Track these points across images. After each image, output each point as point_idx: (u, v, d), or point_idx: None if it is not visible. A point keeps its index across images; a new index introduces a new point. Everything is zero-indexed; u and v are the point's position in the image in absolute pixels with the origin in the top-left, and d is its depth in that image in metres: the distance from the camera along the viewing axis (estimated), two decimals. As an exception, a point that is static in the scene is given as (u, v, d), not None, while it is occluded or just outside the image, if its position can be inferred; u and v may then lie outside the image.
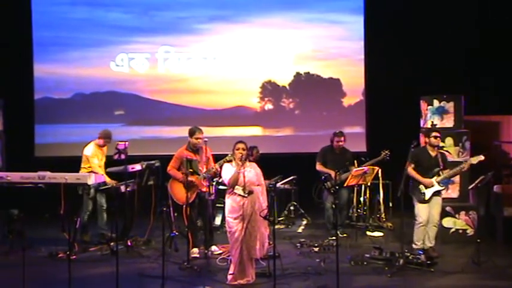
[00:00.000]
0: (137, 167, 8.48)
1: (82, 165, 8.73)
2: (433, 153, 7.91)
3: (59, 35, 11.46)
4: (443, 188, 7.93)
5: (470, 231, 8.80)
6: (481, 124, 10.12)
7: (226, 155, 7.24)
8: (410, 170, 7.88)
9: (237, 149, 6.90)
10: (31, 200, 8.44)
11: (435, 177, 7.83)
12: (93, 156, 8.70)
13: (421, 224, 7.74)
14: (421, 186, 7.82)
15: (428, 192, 7.85)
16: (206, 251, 8.07)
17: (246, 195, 6.78)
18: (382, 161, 9.13)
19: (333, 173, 8.79)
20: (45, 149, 11.40)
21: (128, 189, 8.11)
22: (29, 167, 8.56)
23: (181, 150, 8.16)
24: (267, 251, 7.06)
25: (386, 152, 9.09)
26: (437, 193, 7.88)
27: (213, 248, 8.19)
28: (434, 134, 7.92)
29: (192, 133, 8.10)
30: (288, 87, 11.74)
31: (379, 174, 9.64)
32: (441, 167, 7.88)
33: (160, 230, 6.83)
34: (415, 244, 7.89)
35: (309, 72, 11.71)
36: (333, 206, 8.70)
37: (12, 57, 11.20)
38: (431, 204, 7.89)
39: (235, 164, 6.91)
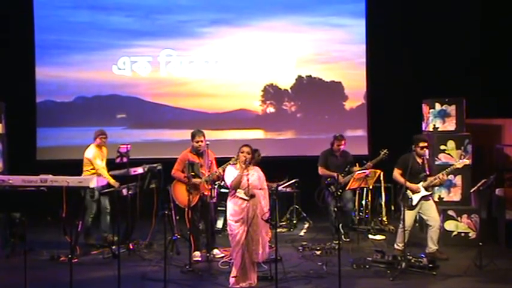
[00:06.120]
0: (139, 170, 8.48)
1: (84, 169, 8.74)
2: (419, 160, 8.03)
3: (61, 38, 11.48)
4: (430, 192, 8.00)
5: (472, 235, 8.80)
6: (483, 127, 10.11)
7: (228, 158, 7.24)
8: (398, 175, 7.94)
9: (242, 152, 6.89)
10: (33, 203, 8.42)
11: (421, 183, 7.91)
12: (96, 157, 8.70)
13: (405, 229, 7.63)
14: (408, 192, 7.89)
15: (415, 198, 7.90)
16: (208, 254, 8.07)
17: (248, 198, 6.79)
18: (382, 160, 9.09)
19: (337, 175, 8.77)
20: (47, 152, 11.40)
21: (129, 192, 8.11)
22: (31, 170, 8.54)
23: (185, 153, 8.15)
24: (269, 255, 7.06)
25: (385, 151, 9.07)
26: (426, 198, 7.95)
27: (215, 251, 8.18)
28: (421, 144, 7.98)
29: (192, 136, 8.10)
30: (289, 90, 11.74)
31: (381, 178, 9.64)
32: (427, 173, 7.96)
33: (162, 233, 6.84)
34: (398, 245, 7.94)
35: (310, 76, 11.72)
36: (335, 209, 8.71)
37: (15, 61, 11.19)
38: (426, 210, 7.97)
39: (239, 167, 6.91)
